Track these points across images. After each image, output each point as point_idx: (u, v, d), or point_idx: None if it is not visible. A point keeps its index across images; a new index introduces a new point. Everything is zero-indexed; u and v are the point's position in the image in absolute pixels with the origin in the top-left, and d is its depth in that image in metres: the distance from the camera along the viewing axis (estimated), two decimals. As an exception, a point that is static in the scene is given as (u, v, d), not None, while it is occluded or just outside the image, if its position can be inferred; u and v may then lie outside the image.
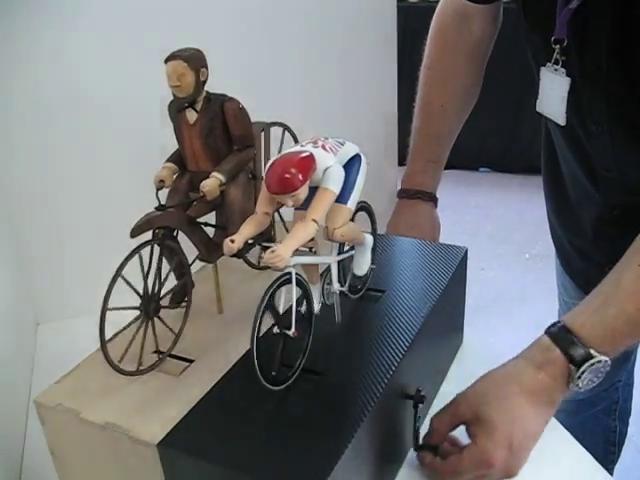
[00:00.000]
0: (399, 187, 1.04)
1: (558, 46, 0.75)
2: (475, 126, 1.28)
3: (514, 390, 0.66)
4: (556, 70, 0.77)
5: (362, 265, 0.71)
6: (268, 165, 0.57)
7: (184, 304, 0.68)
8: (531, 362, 0.67)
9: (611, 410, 1.22)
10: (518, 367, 0.68)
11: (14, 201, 1.04)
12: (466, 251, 0.87)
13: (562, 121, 0.80)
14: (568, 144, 0.90)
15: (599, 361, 0.64)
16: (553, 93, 0.79)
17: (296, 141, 0.79)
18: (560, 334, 0.66)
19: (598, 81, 0.75)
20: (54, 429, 0.65)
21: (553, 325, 0.68)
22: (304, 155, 0.56)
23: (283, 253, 0.53)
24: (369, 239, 0.70)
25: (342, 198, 0.60)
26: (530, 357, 0.68)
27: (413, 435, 0.70)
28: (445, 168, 1.04)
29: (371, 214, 0.73)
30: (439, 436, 0.69)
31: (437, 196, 1.03)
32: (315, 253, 0.62)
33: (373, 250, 0.72)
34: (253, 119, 0.69)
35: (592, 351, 0.64)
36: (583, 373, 0.64)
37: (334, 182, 0.58)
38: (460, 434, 0.69)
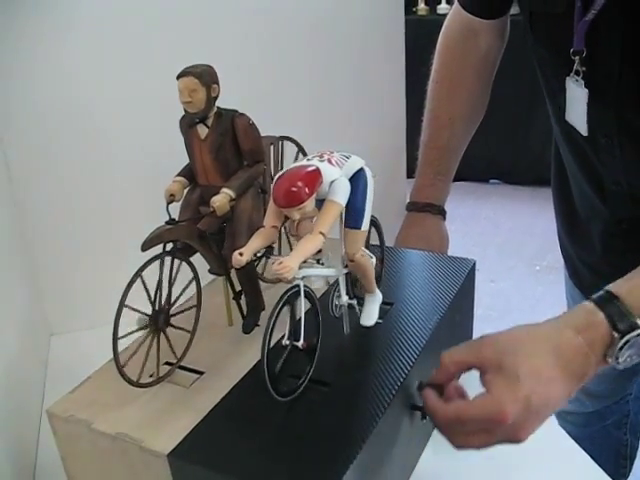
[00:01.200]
0: (408, 200, 1.05)
1: (577, 57, 0.75)
2: (485, 138, 1.28)
3: (547, 348, 0.59)
4: (577, 81, 0.77)
5: (371, 315, 0.70)
6: (275, 179, 0.58)
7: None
8: (570, 324, 0.60)
9: (622, 423, 1.21)
10: (555, 326, 0.61)
11: (28, 215, 1.06)
12: (474, 263, 0.87)
13: (584, 131, 0.80)
14: (576, 160, 0.90)
15: None
16: (576, 104, 0.79)
17: (304, 155, 0.80)
18: (605, 299, 0.60)
19: (609, 92, 0.75)
20: (66, 439, 0.66)
21: (597, 292, 0.62)
22: (310, 169, 0.57)
23: (291, 264, 0.54)
24: (379, 294, 0.71)
25: (355, 222, 0.62)
26: (570, 319, 0.61)
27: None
28: (455, 180, 1.05)
29: (378, 227, 0.74)
30: (446, 375, 0.62)
31: (446, 209, 1.03)
32: (323, 265, 0.63)
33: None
34: (262, 133, 0.70)
35: (639, 321, 0.58)
36: (626, 344, 0.58)
37: (340, 195, 0.59)
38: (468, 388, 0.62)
